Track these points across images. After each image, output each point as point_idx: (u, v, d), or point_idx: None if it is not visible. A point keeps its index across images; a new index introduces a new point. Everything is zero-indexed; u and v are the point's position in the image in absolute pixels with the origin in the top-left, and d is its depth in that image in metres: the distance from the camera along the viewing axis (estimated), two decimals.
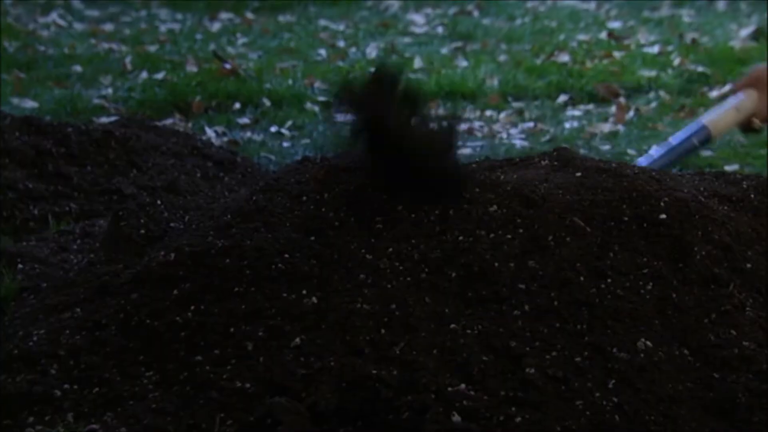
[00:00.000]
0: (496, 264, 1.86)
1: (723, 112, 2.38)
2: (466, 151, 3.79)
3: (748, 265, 1.79)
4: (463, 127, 4.07)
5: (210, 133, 3.87)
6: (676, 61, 4.78)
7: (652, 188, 1.95)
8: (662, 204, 1.89)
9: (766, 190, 1.92)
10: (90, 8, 6.36)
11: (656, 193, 1.92)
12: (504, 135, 3.99)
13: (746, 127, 2.38)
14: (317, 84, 4.57)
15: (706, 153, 3.48)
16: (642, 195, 1.92)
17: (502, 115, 4.22)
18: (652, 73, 4.58)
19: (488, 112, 4.26)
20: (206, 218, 2.25)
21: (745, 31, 5.18)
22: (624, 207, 1.91)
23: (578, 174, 2.02)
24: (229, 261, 1.94)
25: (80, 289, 2.03)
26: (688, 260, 1.80)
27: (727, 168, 3.27)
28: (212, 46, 5.21)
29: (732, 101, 2.39)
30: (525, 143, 3.86)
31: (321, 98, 4.38)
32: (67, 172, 2.98)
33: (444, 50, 5.32)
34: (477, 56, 5.13)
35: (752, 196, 1.91)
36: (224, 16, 6.10)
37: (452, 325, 1.78)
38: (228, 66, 4.70)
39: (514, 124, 4.11)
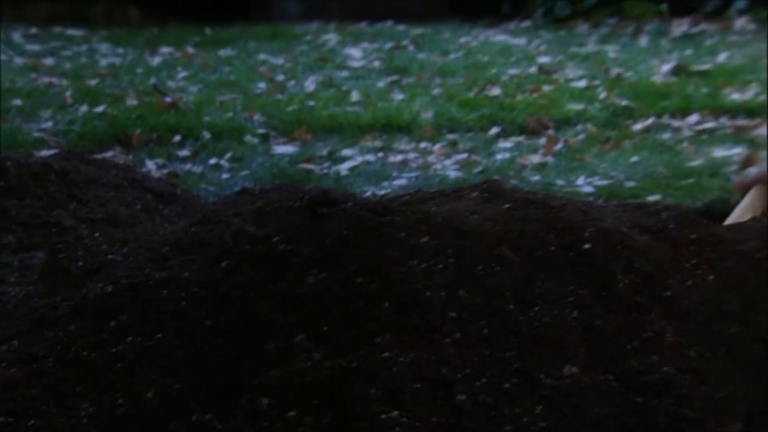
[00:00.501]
0: (428, 294, 1.86)
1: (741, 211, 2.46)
2: (401, 182, 3.81)
3: (668, 293, 1.82)
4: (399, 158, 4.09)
5: (150, 165, 3.85)
6: (602, 95, 4.85)
7: (578, 219, 1.97)
8: (587, 234, 1.91)
9: (684, 221, 1.95)
10: (31, 42, 6.29)
11: (581, 224, 1.95)
12: (438, 166, 4.01)
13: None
14: (257, 117, 4.57)
15: (629, 184, 3.53)
16: (568, 226, 1.94)
17: (437, 147, 4.25)
18: (580, 107, 4.65)
19: (423, 144, 4.29)
20: (144, 250, 2.22)
21: (666, 67, 5.28)
22: (551, 237, 1.93)
23: (507, 205, 2.03)
24: (166, 292, 1.92)
25: (17, 322, 2.00)
26: (611, 289, 1.83)
27: (650, 198, 3.32)
28: (153, 80, 5.18)
29: (746, 200, 2.48)
30: (458, 174, 3.89)
31: (260, 130, 4.38)
32: (5, 205, 2.94)
33: (380, 84, 5.36)
34: (412, 89, 5.17)
35: (671, 226, 1.94)
36: (165, 50, 6.08)
37: (385, 354, 1.78)
38: (168, 99, 4.67)
39: (448, 156, 4.14)
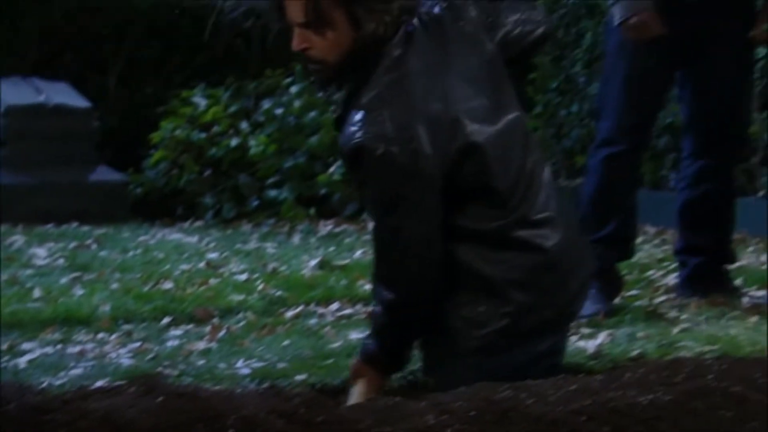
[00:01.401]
0: None
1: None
2: (78, 371, 3.63)
3: None
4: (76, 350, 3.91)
5: None
6: (260, 287, 4.94)
7: (224, 408, 1.97)
8: (230, 422, 1.91)
9: (313, 404, 2.00)
10: None
11: (226, 412, 1.95)
12: (114, 355, 3.87)
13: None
14: None
15: (281, 365, 3.57)
16: (215, 414, 1.94)
17: (113, 337, 4.12)
18: (241, 297, 4.69)
19: (100, 335, 4.14)
20: None
21: (313, 262, 5.48)
22: (200, 426, 1.92)
23: (161, 398, 2.00)
24: None
25: None
26: None
27: (299, 377, 3.37)
28: None
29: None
30: (132, 361, 3.77)
31: None
32: None
33: (63, 280, 5.15)
34: (93, 285, 5.01)
35: (302, 410, 1.98)
36: None
37: None
38: None
39: (124, 345, 4.02)
